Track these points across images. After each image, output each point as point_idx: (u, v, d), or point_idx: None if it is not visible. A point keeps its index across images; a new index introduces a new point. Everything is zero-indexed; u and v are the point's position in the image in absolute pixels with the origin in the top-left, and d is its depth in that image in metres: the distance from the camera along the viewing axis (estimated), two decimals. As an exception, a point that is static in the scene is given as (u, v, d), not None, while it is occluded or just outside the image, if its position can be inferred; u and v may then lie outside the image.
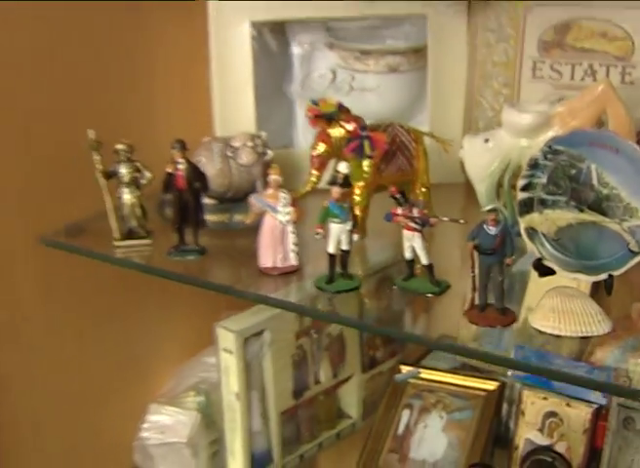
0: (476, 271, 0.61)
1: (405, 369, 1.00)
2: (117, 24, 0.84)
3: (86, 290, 0.87)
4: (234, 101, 0.87)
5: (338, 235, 0.66)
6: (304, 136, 0.94)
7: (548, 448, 0.86)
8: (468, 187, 0.86)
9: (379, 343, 1.03)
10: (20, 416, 0.85)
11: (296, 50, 0.92)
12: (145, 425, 0.90)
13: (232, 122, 0.87)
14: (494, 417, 0.95)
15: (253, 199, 0.69)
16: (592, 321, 0.61)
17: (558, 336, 0.60)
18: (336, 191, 0.65)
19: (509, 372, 0.94)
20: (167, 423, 0.89)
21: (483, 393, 0.96)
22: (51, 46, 0.80)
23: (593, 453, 0.91)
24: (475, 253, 0.61)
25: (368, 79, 0.88)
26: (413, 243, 0.65)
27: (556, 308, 0.60)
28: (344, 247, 0.66)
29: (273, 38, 0.90)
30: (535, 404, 0.92)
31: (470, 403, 0.96)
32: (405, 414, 0.96)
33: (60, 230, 0.82)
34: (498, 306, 0.61)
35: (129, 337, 0.93)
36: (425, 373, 0.99)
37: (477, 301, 0.61)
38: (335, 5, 0.85)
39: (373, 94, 0.87)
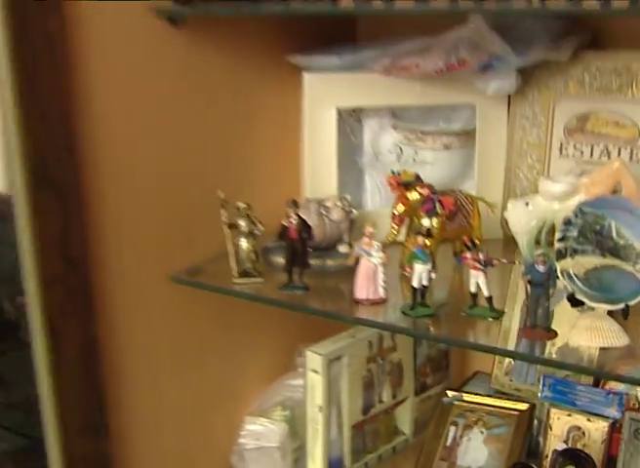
0: (528, 299, 0.82)
1: (450, 393, 1.20)
2: (240, 107, 1.07)
3: (200, 322, 1.08)
4: (321, 170, 1.09)
5: (420, 273, 0.87)
6: (372, 199, 1.16)
7: (577, 449, 1.05)
8: (506, 241, 1.08)
9: (429, 371, 1.23)
10: (144, 422, 1.04)
11: (367, 129, 1.14)
12: (243, 433, 1.10)
13: (319, 186, 1.08)
14: (526, 432, 1.15)
15: (356, 247, 0.91)
16: (614, 336, 0.81)
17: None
18: (421, 240, 0.86)
19: (539, 394, 1.14)
20: (261, 431, 1.09)
21: (516, 412, 1.16)
22: (176, 118, 1.01)
23: (610, 460, 1.10)
24: (528, 286, 0.82)
25: (427, 154, 1.10)
26: (478, 279, 0.86)
27: (588, 326, 0.81)
28: (425, 282, 0.87)
29: (351, 120, 1.13)
30: (560, 419, 1.12)
31: (506, 421, 1.16)
32: (452, 430, 1.16)
33: (183, 270, 1.03)
34: (544, 325, 0.82)
35: (227, 363, 1.13)
36: (467, 397, 1.20)
37: (529, 322, 0.82)
38: (399, 94, 1.08)
39: (431, 166, 1.09)
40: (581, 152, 1.05)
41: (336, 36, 1.12)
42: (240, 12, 0.92)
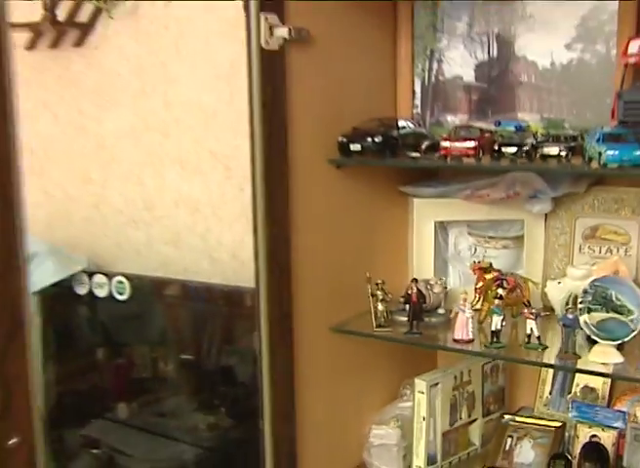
0: (563, 337, 1.38)
1: (507, 416, 1.74)
2: (373, 220, 1.66)
3: (346, 362, 1.63)
4: (423, 260, 1.67)
5: (497, 321, 1.43)
6: (454, 281, 1.73)
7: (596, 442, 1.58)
8: (544, 308, 1.64)
9: (492, 401, 1.76)
10: (312, 423, 1.58)
11: (451, 235, 1.73)
12: (371, 435, 1.64)
13: (422, 271, 1.66)
14: (561, 440, 1.67)
15: (455, 306, 1.47)
16: (614, 356, 1.36)
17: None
18: (497, 301, 1.43)
19: (569, 414, 1.68)
20: (383, 434, 1.63)
21: (553, 428, 1.69)
22: (337, 228, 1.60)
23: (618, 457, 1.62)
24: (562, 328, 1.38)
25: (492, 252, 1.68)
26: (531, 326, 1.41)
27: (600, 351, 1.36)
28: (499, 327, 1.43)
29: (442, 229, 1.71)
30: (583, 431, 1.64)
31: (546, 433, 1.69)
32: (508, 441, 1.69)
33: (337, 324, 1.59)
34: (572, 351, 1.37)
35: (360, 388, 1.68)
36: (518, 418, 1.73)
37: (563, 350, 1.38)
38: (474, 212, 1.66)
39: (494, 259, 1.66)
40: (593, 250, 1.62)
41: (426, 173, 1.73)
42: (385, 163, 1.52)
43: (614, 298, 1.41)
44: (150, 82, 2.30)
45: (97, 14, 2.39)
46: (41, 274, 2.18)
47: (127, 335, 2.18)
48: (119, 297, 2.16)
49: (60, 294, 2.23)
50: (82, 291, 2.23)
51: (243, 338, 2.01)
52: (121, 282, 2.15)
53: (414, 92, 1.66)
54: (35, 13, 2.37)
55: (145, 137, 2.34)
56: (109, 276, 2.18)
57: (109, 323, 2.21)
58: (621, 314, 1.40)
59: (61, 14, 2.38)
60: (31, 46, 2.55)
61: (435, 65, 1.65)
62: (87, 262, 2.26)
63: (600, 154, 1.28)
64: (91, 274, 2.21)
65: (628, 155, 1.26)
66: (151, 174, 2.34)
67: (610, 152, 1.26)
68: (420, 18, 1.64)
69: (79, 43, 2.46)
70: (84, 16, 2.40)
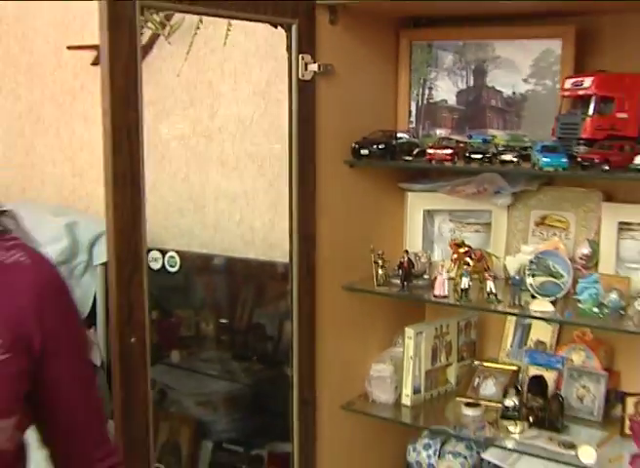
0: (511, 292, 1.90)
1: (476, 362, 2.25)
2: (378, 209, 2.18)
3: (353, 313, 2.15)
4: (414, 240, 2.19)
5: (465, 282, 1.94)
6: (437, 255, 2.25)
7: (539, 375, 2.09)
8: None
9: (465, 349, 2.28)
10: (326, 362, 2.10)
11: (436, 221, 2.24)
12: (372, 370, 2.16)
13: (413, 247, 2.18)
14: (516, 379, 2.18)
15: (436, 272, 1.99)
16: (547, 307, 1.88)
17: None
18: (466, 267, 1.95)
19: (523, 360, 2.19)
20: (380, 369, 2.15)
21: (511, 371, 2.20)
22: (351, 215, 2.12)
23: (557, 390, 2.12)
24: (512, 286, 1.89)
25: (467, 234, 2.19)
26: (490, 285, 1.93)
27: (539, 304, 1.88)
28: (466, 286, 1.95)
29: (428, 216, 2.23)
30: (532, 371, 2.15)
31: (505, 374, 2.20)
32: (476, 379, 2.21)
33: (347, 284, 2.11)
34: (519, 304, 1.89)
35: (363, 335, 2.20)
36: (485, 364, 2.24)
37: (513, 302, 1.89)
38: (454, 204, 2.18)
39: (468, 240, 2.18)
40: (542, 234, 2.13)
41: (417, 173, 2.25)
42: (386, 165, 2.04)
43: (551, 267, 1.93)
44: (198, 96, 2.82)
45: (154, 38, 2.91)
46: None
47: (176, 301, 2.70)
48: (170, 270, 2.67)
49: None
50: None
51: (270, 303, 2.53)
52: (173, 257, 2.67)
53: (410, 111, 2.19)
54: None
55: (192, 141, 2.87)
56: (163, 252, 2.69)
57: (162, 290, 2.73)
58: (556, 278, 1.92)
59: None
60: (97, 62, 3.07)
61: (427, 91, 2.17)
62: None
63: (538, 160, 1.80)
64: (148, 250, 2.72)
65: (557, 161, 1.78)
66: (196, 171, 2.87)
67: (544, 159, 1.78)
68: (416, 55, 2.17)
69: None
70: (144, 39, 2.92)
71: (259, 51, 2.62)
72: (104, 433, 1.31)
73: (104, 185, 1.56)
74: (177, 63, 2.85)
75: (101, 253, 2.70)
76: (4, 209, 1.22)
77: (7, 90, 3.36)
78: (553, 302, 1.91)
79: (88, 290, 2.69)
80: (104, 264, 2.68)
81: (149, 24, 2.82)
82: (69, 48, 3.02)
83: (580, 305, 1.85)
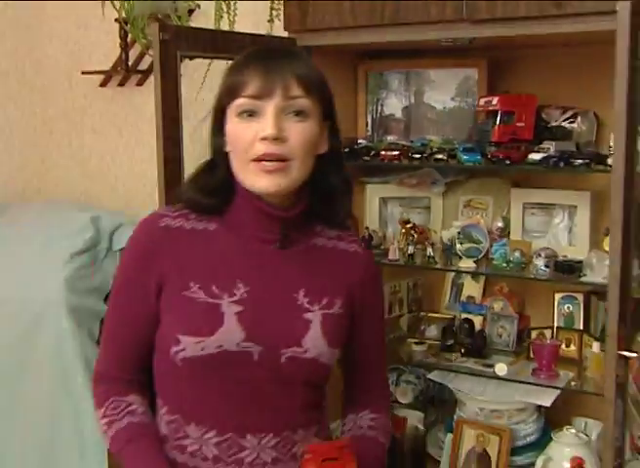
0: (445, 255, 2.59)
1: (422, 313, 2.94)
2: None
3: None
4: (374, 220, 2.87)
5: (410, 249, 2.63)
6: (390, 230, 2.93)
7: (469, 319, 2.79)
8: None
9: (413, 304, 2.97)
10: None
11: (389, 206, 2.93)
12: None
13: (371, 225, 2.86)
14: (452, 324, 2.88)
15: (390, 244, 2.67)
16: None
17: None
18: (411, 238, 2.63)
19: (458, 310, 2.88)
20: (349, 319, 2.83)
21: (448, 318, 2.90)
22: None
23: (482, 331, 2.82)
24: (444, 251, 2.58)
25: (413, 216, 2.88)
26: (429, 250, 2.62)
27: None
28: (411, 252, 2.63)
29: (383, 202, 2.92)
30: (463, 317, 2.85)
31: (444, 321, 2.90)
32: (422, 326, 2.90)
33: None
34: (450, 263, 2.58)
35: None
36: (429, 314, 2.93)
37: (446, 262, 2.58)
38: (402, 192, 2.87)
39: (415, 220, 2.87)
40: (469, 213, 2.84)
41: (374, 169, 2.93)
42: (351, 164, 2.72)
43: (473, 236, 2.63)
44: (193, 112, 3.47)
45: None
46: (126, 236, 3.32)
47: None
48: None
49: None
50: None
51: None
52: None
53: (367, 123, 2.87)
54: (109, 58, 3.54)
55: (188, 148, 3.51)
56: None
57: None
58: (477, 243, 2.62)
59: (130, 60, 3.54)
60: (104, 84, 3.72)
61: (379, 108, 2.86)
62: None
63: (461, 158, 2.50)
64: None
65: (474, 158, 2.48)
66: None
67: (465, 157, 2.48)
68: (370, 81, 2.86)
69: (140, 83, 3.62)
70: (145, 64, 3.57)
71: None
72: (386, 376, 1.90)
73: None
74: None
75: (120, 241, 3.32)
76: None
77: (23, 107, 3.97)
78: (476, 261, 2.61)
79: (108, 272, 3.30)
80: (122, 251, 3.32)
81: (150, 51, 3.46)
82: (83, 73, 3.65)
83: (494, 262, 2.56)
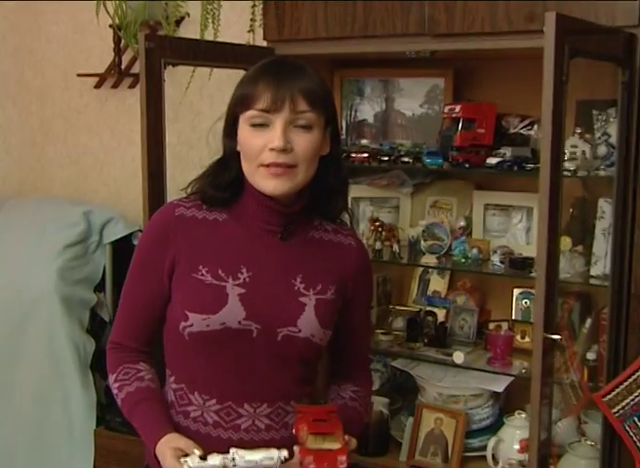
0: (410, 252, 2.79)
1: (390, 306, 3.14)
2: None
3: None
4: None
5: (379, 246, 2.83)
6: (361, 229, 3.13)
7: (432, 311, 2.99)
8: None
9: (382, 297, 3.16)
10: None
11: (361, 205, 3.13)
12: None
13: (344, 224, 3.06)
14: (418, 316, 3.08)
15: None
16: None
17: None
18: (379, 235, 2.83)
19: (424, 304, 3.08)
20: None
21: (415, 311, 3.10)
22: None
23: (445, 323, 3.01)
24: (411, 246, 2.78)
25: (383, 215, 3.08)
26: (395, 247, 2.81)
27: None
28: (379, 248, 2.83)
29: (354, 202, 3.12)
30: (428, 309, 3.05)
31: (410, 313, 3.09)
32: (390, 317, 3.10)
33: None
34: (414, 258, 2.78)
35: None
36: (397, 307, 3.13)
37: (410, 258, 2.78)
38: (373, 192, 3.06)
39: (385, 219, 3.06)
40: (435, 213, 3.04)
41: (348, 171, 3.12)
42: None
43: (436, 233, 2.83)
44: (182, 114, 3.67)
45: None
46: (115, 230, 3.51)
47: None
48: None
49: (123, 244, 3.54)
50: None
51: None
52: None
53: (341, 127, 3.07)
54: (103, 62, 3.74)
55: (176, 149, 3.71)
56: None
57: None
58: (440, 240, 2.82)
59: (123, 64, 3.73)
60: (98, 86, 3.92)
61: (353, 113, 3.07)
62: (141, 224, 3.60)
63: (425, 161, 2.70)
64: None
65: (436, 162, 2.68)
66: (179, 173, 3.71)
67: (428, 160, 2.68)
68: (345, 88, 3.06)
69: (132, 86, 3.82)
70: (137, 68, 3.76)
71: (230, 76, 3.47)
72: (369, 359, 2.10)
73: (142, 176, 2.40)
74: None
75: (110, 235, 3.52)
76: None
77: (21, 107, 4.17)
78: (438, 257, 2.81)
79: (99, 263, 3.50)
80: (112, 243, 3.51)
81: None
82: (79, 75, 3.85)
83: (454, 258, 2.76)
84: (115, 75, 3.77)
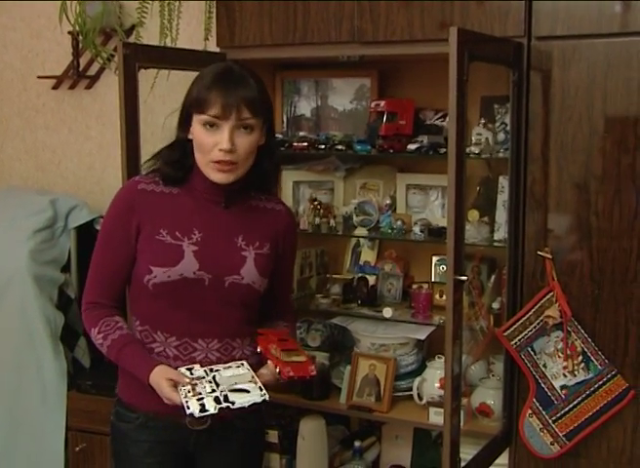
0: (344, 225, 3.29)
1: (327, 275, 3.63)
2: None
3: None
4: (287, 200, 3.55)
5: (317, 221, 3.32)
6: (301, 208, 3.61)
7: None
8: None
9: (321, 267, 3.64)
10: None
11: (301, 188, 3.60)
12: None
13: (287, 204, 3.54)
14: (352, 282, 3.58)
15: (300, 218, 3.36)
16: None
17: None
18: (317, 212, 3.32)
19: (356, 272, 3.57)
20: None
21: (349, 279, 3.60)
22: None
23: (376, 287, 3.51)
24: (345, 221, 3.28)
25: (320, 196, 3.56)
26: (332, 222, 3.31)
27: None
28: (317, 223, 3.32)
29: (295, 185, 3.60)
30: (359, 276, 3.55)
31: (345, 280, 3.59)
32: (328, 284, 3.59)
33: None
34: (349, 230, 3.28)
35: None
36: (334, 276, 3.63)
37: (345, 230, 3.28)
38: (310, 176, 3.55)
39: (322, 199, 3.55)
40: (365, 194, 3.53)
41: (289, 158, 3.60)
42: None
43: (366, 209, 3.33)
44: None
45: (102, 70, 4.15)
46: (79, 216, 3.89)
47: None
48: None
49: (86, 229, 3.88)
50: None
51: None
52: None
53: (282, 121, 3.55)
54: (60, 65, 4.11)
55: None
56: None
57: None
58: (369, 216, 3.32)
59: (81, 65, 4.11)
60: (56, 87, 4.29)
61: (292, 109, 3.55)
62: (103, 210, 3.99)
63: (355, 148, 3.20)
64: (107, 217, 3.94)
65: (365, 149, 3.18)
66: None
67: (358, 147, 3.18)
68: (285, 87, 3.53)
69: (89, 87, 4.21)
70: (93, 70, 4.16)
71: (180, 78, 3.90)
72: (292, 301, 2.66)
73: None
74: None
75: (74, 220, 3.89)
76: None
77: (-20, 107, 4.51)
78: (368, 230, 3.31)
79: (64, 246, 3.85)
80: (76, 228, 3.88)
81: (99, 59, 4.06)
82: (39, 77, 4.22)
83: (381, 230, 3.27)
84: (73, 77, 4.14)
